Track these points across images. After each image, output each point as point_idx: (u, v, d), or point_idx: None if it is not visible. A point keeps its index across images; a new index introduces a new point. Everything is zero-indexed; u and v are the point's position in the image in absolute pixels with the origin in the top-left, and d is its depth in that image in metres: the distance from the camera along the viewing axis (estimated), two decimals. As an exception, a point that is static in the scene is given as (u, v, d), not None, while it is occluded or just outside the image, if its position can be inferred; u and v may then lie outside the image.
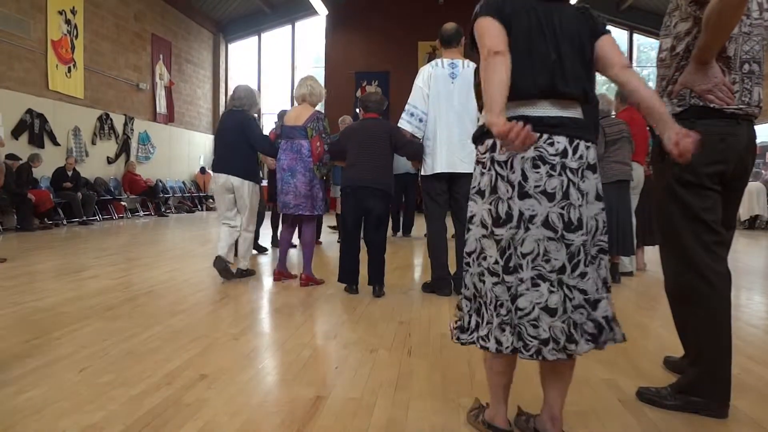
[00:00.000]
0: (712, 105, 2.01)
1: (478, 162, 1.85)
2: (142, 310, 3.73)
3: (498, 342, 1.74)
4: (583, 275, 1.71)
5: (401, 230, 9.24)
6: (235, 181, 4.85)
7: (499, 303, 1.72)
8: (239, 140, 4.84)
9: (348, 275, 4.38)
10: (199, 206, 16.21)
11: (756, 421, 2.07)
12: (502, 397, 1.85)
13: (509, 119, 1.63)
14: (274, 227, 7.29)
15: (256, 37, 19.56)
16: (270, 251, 6.96)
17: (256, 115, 5.26)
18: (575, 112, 1.76)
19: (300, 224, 4.97)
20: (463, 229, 4.37)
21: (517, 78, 1.69)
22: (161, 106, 15.28)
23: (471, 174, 4.22)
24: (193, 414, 2.07)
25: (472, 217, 1.84)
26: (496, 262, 1.73)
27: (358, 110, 4.94)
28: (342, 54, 18.38)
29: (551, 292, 1.69)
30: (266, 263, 6.00)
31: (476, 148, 1.89)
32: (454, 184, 4.33)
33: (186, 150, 16.65)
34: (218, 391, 2.32)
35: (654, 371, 2.60)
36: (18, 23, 10.19)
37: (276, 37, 19.62)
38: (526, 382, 2.27)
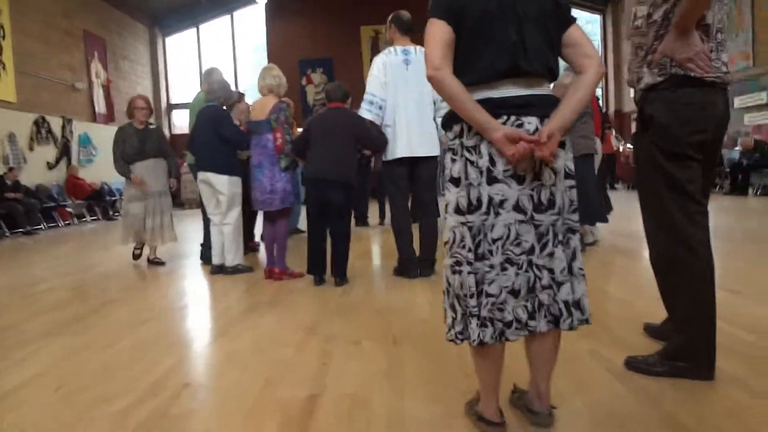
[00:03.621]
0: (692, 74, 2.03)
1: (448, 149, 1.82)
2: (110, 320, 3.59)
3: (461, 336, 1.75)
4: (551, 254, 1.71)
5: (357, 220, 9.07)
6: (211, 176, 4.85)
7: (470, 293, 1.70)
8: (212, 135, 4.80)
9: (314, 266, 4.34)
10: (148, 207, 15.73)
11: (740, 380, 2.14)
12: (491, 387, 1.83)
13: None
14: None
15: (194, 29, 19.01)
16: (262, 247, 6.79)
17: (228, 107, 5.21)
18: (543, 89, 1.74)
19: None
20: (425, 213, 4.51)
21: (476, 62, 1.70)
22: (100, 106, 14.73)
23: (431, 158, 4.38)
24: (184, 425, 2.01)
25: (447, 205, 1.82)
26: (469, 250, 1.71)
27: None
28: (284, 42, 18.05)
29: (517, 274, 1.70)
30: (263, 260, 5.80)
31: (445, 134, 1.86)
32: (415, 168, 4.43)
33: (129, 150, 16.10)
34: (204, 399, 2.25)
35: (634, 339, 2.66)
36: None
37: (215, 28, 19.12)
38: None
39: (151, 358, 2.78)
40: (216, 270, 5.01)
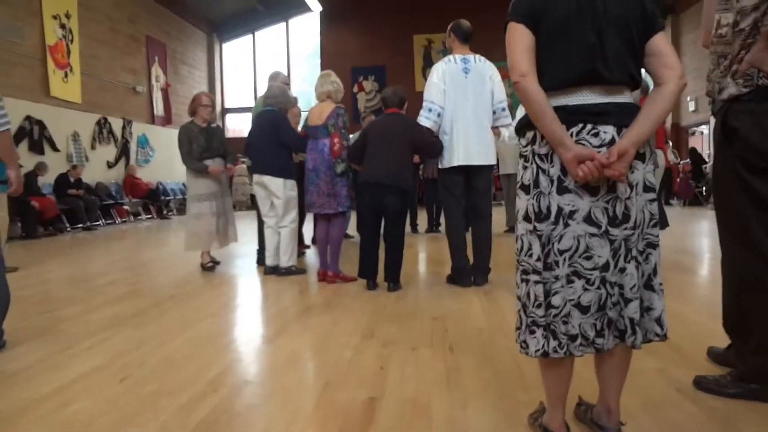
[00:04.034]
0: None
1: (521, 155, 1.79)
2: (169, 316, 3.68)
3: (526, 345, 1.72)
4: (622, 270, 1.65)
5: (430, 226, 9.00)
6: (267, 179, 4.93)
7: (537, 303, 1.67)
8: (270, 139, 4.88)
9: (367, 270, 4.36)
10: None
11: (818, 405, 2.04)
12: (558, 401, 1.79)
13: None
14: (316, 226, 7.20)
15: (251, 35, 19.45)
16: (313, 249, 6.87)
17: (292, 112, 5.33)
18: (623, 98, 1.67)
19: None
20: (479, 221, 4.49)
21: (554, 66, 1.65)
22: (159, 109, 15.19)
23: (487, 167, 4.36)
24: (248, 423, 2.03)
25: (518, 212, 1.79)
26: (538, 259, 1.67)
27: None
28: (337, 49, 18.28)
29: (585, 290, 1.64)
30: (313, 263, 5.86)
31: (518, 140, 1.83)
32: (471, 177, 4.42)
33: (185, 151, 16.52)
34: (266, 397, 2.27)
35: (701, 360, 2.56)
36: (13, 29, 10.08)
37: (270, 35, 19.51)
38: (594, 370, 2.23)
39: (211, 355, 2.83)
40: (270, 271, 5.08)
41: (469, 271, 4.42)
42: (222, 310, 3.82)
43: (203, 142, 5.39)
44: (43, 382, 2.48)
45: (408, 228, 8.52)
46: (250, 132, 5.21)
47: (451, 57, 4.41)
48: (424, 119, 4.34)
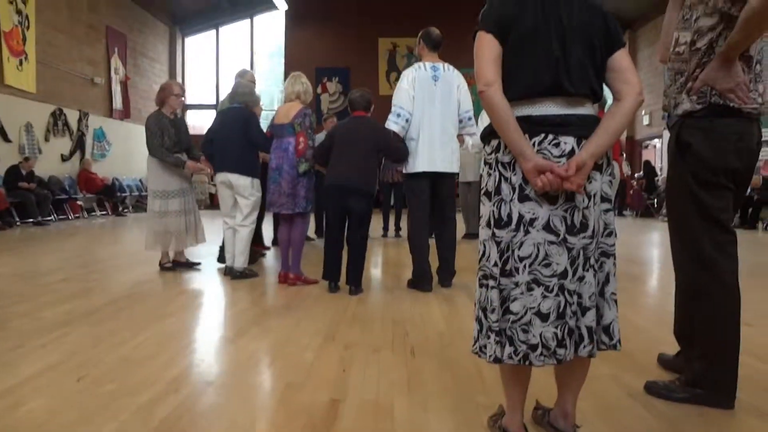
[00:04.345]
0: (731, 104, 2.06)
1: (485, 163, 1.84)
2: (126, 314, 3.61)
3: (483, 350, 1.76)
4: (581, 279, 1.69)
5: (391, 230, 8.99)
6: (232, 177, 4.82)
7: (491, 308, 1.72)
8: (238, 136, 4.78)
9: (330, 272, 4.38)
10: (157, 204, 15.79)
11: (759, 410, 2.14)
12: (518, 403, 1.84)
13: None
14: (275, 227, 7.15)
15: (214, 30, 19.16)
16: (273, 250, 6.83)
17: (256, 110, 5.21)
18: (584, 110, 1.72)
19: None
20: (444, 225, 4.56)
21: (520, 77, 1.70)
22: (117, 102, 14.83)
23: (451, 174, 4.43)
24: (210, 423, 2.02)
25: (481, 217, 1.84)
26: (495, 265, 1.72)
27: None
28: (302, 49, 18.18)
29: (545, 297, 1.68)
30: (270, 265, 5.85)
31: (483, 148, 1.88)
32: (436, 184, 4.50)
33: (143, 147, 16.02)
34: (228, 397, 2.26)
35: (652, 366, 2.66)
36: (-34, 14, 9.72)
37: (234, 32, 19.26)
38: (550, 375, 2.29)
39: (171, 354, 2.80)
40: (228, 271, 5.01)
41: (430, 277, 4.47)
42: (181, 310, 3.77)
43: (173, 135, 5.16)
44: (-5, 379, 2.41)
45: (380, 231, 8.62)
46: (213, 129, 5.07)
47: (421, 64, 4.48)
48: (393, 124, 4.38)
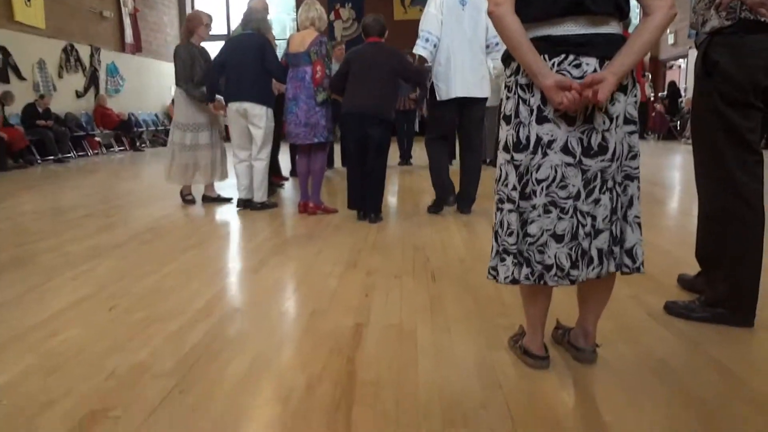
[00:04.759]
0: (762, 19, 1.97)
1: (505, 86, 1.79)
2: (150, 248, 3.68)
3: (495, 272, 1.78)
4: (596, 201, 1.68)
5: (403, 158, 9.03)
6: (248, 106, 4.67)
7: (509, 231, 1.72)
8: (253, 64, 4.60)
9: (357, 201, 4.40)
10: (173, 139, 15.79)
11: (779, 327, 2.16)
12: (538, 324, 1.86)
13: (532, 40, 1.62)
14: (292, 158, 7.12)
15: (222, -42, 18.55)
16: (291, 181, 6.85)
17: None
18: (609, 28, 1.64)
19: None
20: (470, 152, 4.54)
21: None
22: (128, 36, 14.59)
23: (482, 99, 4.37)
24: (240, 347, 2.08)
25: (499, 142, 1.81)
26: (514, 188, 1.71)
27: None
28: (312, -25, 17.57)
29: (560, 218, 1.68)
30: (288, 196, 5.85)
31: (504, 70, 1.82)
32: (465, 110, 4.46)
33: (156, 81, 16.01)
34: (256, 323, 2.33)
35: (673, 287, 2.68)
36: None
37: (242, -42, 18.64)
38: (570, 295, 2.31)
39: (198, 284, 2.86)
40: (242, 204, 4.94)
41: (452, 189, 4.60)
42: (203, 242, 3.83)
43: (203, 65, 4.99)
44: (30, 312, 2.49)
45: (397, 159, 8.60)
46: (224, 54, 4.77)
47: None
48: (421, 48, 4.32)
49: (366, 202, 4.38)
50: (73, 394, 1.73)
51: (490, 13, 1.65)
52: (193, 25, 5.05)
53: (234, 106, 4.74)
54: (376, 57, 4.25)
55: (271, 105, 4.80)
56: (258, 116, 4.71)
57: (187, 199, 5.38)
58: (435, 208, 4.61)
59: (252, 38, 4.69)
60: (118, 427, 1.55)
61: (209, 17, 5.16)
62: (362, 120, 4.21)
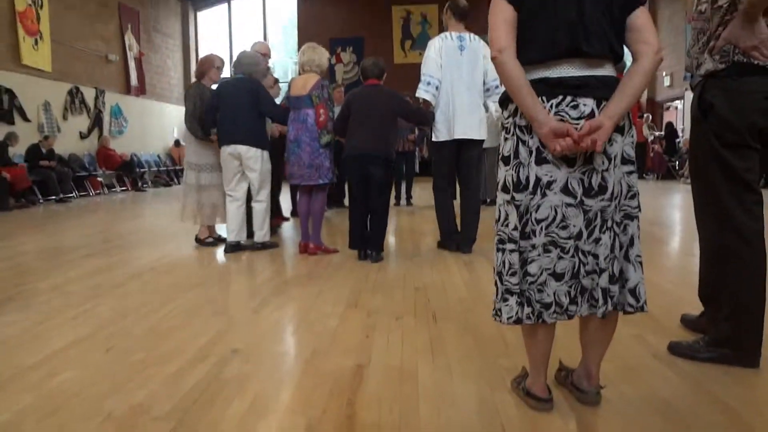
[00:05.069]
0: (756, 62, 2.01)
1: (503, 127, 1.82)
2: (151, 287, 3.67)
3: (500, 313, 1.78)
4: (597, 241, 1.69)
5: (403, 199, 9.03)
6: (242, 149, 4.66)
7: (512, 271, 1.72)
8: (246, 108, 4.64)
9: (358, 241, 4.42)
10: (175, 180, 15.92)
11: (784, 367, 2.14)
12: (541, 365, 1.85)
13: (530, 82, 1.65)
14: (293, 198, 7.17)
15: (226, 4, 19.04)
16: (291, 221, 6.86)
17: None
18: (603, 71, 1.69)
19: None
20: (469, 192, 4.61)
21: (535, 40, 1.68)
22: (132, 78, 14.85)
23: (479, 141, 4.50)
24: (239, 389, 2.06)
25: (498, 182, 1.83)
26: (515, 228, 1.72)
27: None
28: (315, 20, 18.02)
29: (560, 258, 1.70)
30: (289, 236, 5.86)
31: (501, 112, 1.86)
32: (463, 150, 4.60)
33: (159, 122, 16.25)
34: (256, 365, 2.30)
35: (676, 327, 2.66)
36: (-21, -6, 9.74)
37: (246, 4, 19.09)
38: (572, 337, 2.29)
39: (198, 325, 2.84)
40: (231, 249, 4.83)
41: (455, 235, 4.67)
42: (204, 283, 3.82)
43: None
44: (28, 352, 2.47)
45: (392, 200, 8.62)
46: (217, 98, 4.79)
47: (447, 34, 4.54)
48: (423, 92, 4.46)
49: (365, 242, 4.41)
50: (70, 437, 1.71)
51: (493, 59, 1.70)
52: (206, 67, 5.15)
53: (228, 149, 4.72)
54: (374, 98, 4.33)
55: (266, 147, 4.80)
56: (253, 159, 4.70)
57: (204, 242, 5.26)
58: (443, 245, 4.79)
59: (244, 82, 4.72)
60: (115, 471, 1.52)
61: (221, 61, 5.24)
62: (363, 160, 4.26)
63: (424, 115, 4.46)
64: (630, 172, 1.75)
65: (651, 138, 14.40)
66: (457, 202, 4.76)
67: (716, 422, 1.75)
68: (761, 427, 1.71)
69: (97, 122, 13.17)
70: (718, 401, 1.88)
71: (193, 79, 5.32)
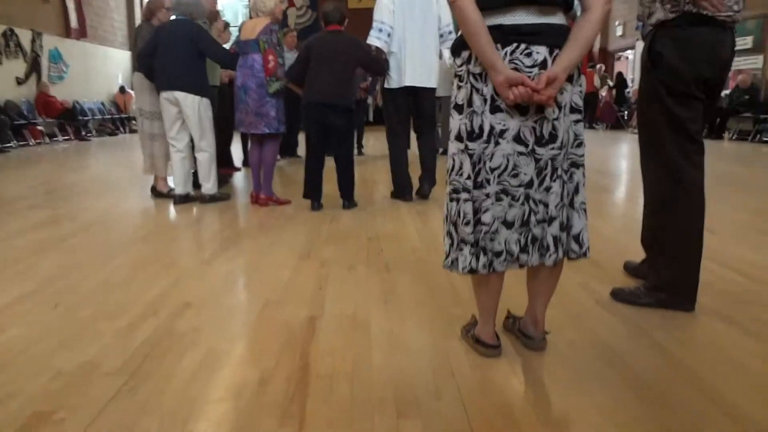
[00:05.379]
0: (705, 12, 2.03)
1: (456, 75, 1.81)
2: (99, 240, 3.58)
3: (455, 263, 1.80)
4: (548, 189, 1.73)
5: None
6: (179, 95, 4.47)
7: (466, 221, 1.74)
8: (186, 52, 4.43)
9: (312, 191, 4.38)
10: (121, 128, 15.38)
11: (718, 312, 2.26)
12: (489, 313, 1.90)
13: None
14: (244, 147, 7.05)
15: (170, -60, 18.03)
16: (243, 171, 6.74)
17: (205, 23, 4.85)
18: (556, 19, 1.69)
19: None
20: (425, 137, 4.61)
21: None
22: (72, 20, 14.05)
23: (432, 89, 4.46)
24: (191, 342, 2.05)
25: (450, 131, 1.83)
26: (469, 177, 1.73)
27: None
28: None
29: (511, 206, 1.73)
30: (241, 187, 5.74)
31: (454, 60, 1.84)
32: (417, 99, 4.56)
33: (102, 68, 15.52)
34: (208, 318, 2.29)
35: (619, 274, 2.76)
36: None
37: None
38: (520, 286, 2.35)
39: (148, 278, 2.80)
40: (180, 200, 4.71)
41: (411, 187, 4.67)
42: (153, 235, 3.75)
43: None
44: (-30, 309, 2.40)
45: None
46: (151, 42, 4.58)
47: None
48: (375, 39, 4.37)
49: (320, 193, 4.42)
50: (18, 395, 1.68)
51: (451, 3, 1.68)
52: (154, 7, 4.95)
53: (165, 95, 4.54)
54: (336, 45, 4.23)
55: (206, 94, 4.60)
56: (191, 106, 4.51)
57: (158, 193, 5.09)
58: (396, 196, 4.78)
59: (183, 24, 4.50)
60: (64, 430, 1.50)
61: (170, 0, 4.91)
62: (324, 109, 4.20)
63: (382, 66, 4.39)
64: (577, 121, 1.78)
65: (603, 88, 14.60)
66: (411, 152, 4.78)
67: (655, 365, 1.84)
68: (696, 368, 1.80)
69: (34, 67, 12.47)
70: (656, 345, 1.98)
71: (139, 22, 5.06)
